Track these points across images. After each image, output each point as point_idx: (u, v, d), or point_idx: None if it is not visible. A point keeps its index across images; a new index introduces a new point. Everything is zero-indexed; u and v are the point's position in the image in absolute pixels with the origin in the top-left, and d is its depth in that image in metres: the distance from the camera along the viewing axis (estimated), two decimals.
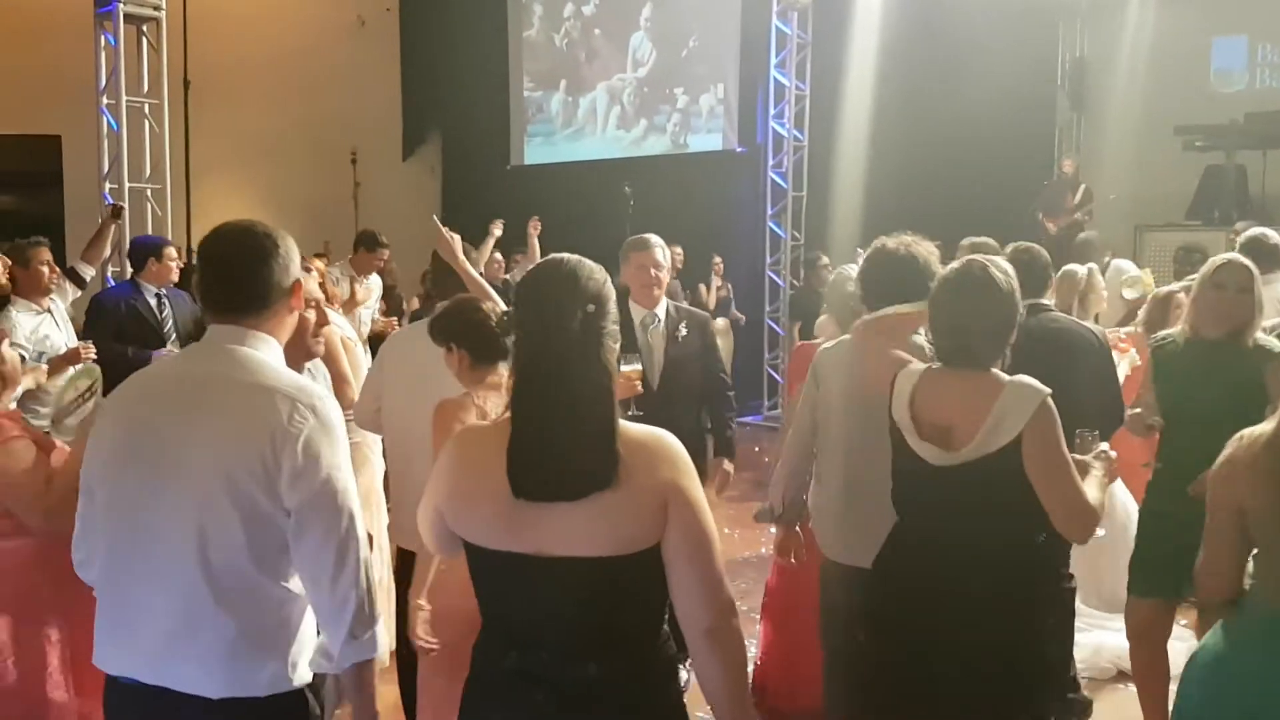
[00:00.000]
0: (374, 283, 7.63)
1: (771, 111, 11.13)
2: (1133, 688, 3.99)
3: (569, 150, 13.07)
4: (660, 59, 12.49)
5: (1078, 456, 2.49)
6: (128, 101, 8.04)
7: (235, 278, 2.03)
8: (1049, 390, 2.38)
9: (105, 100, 8.08)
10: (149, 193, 8.28)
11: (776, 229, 11.05)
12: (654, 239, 4.12)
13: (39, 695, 2.76)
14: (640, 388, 3.00)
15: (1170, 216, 9.46)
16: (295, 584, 1.95)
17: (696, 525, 1.76)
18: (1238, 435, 2.13)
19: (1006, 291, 2.47)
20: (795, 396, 3.78)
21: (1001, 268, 2.52)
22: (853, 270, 3.76)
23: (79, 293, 5.96)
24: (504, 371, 3.67)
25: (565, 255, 1.84)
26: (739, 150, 11.84)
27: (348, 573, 1.90)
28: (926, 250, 3.06)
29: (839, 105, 10.83)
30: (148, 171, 8.30)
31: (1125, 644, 3.88)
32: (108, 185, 8.01)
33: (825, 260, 8.54)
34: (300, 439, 1.88)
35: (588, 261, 1.83)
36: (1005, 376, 2.44)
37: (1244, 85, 10.54)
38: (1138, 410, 3.41)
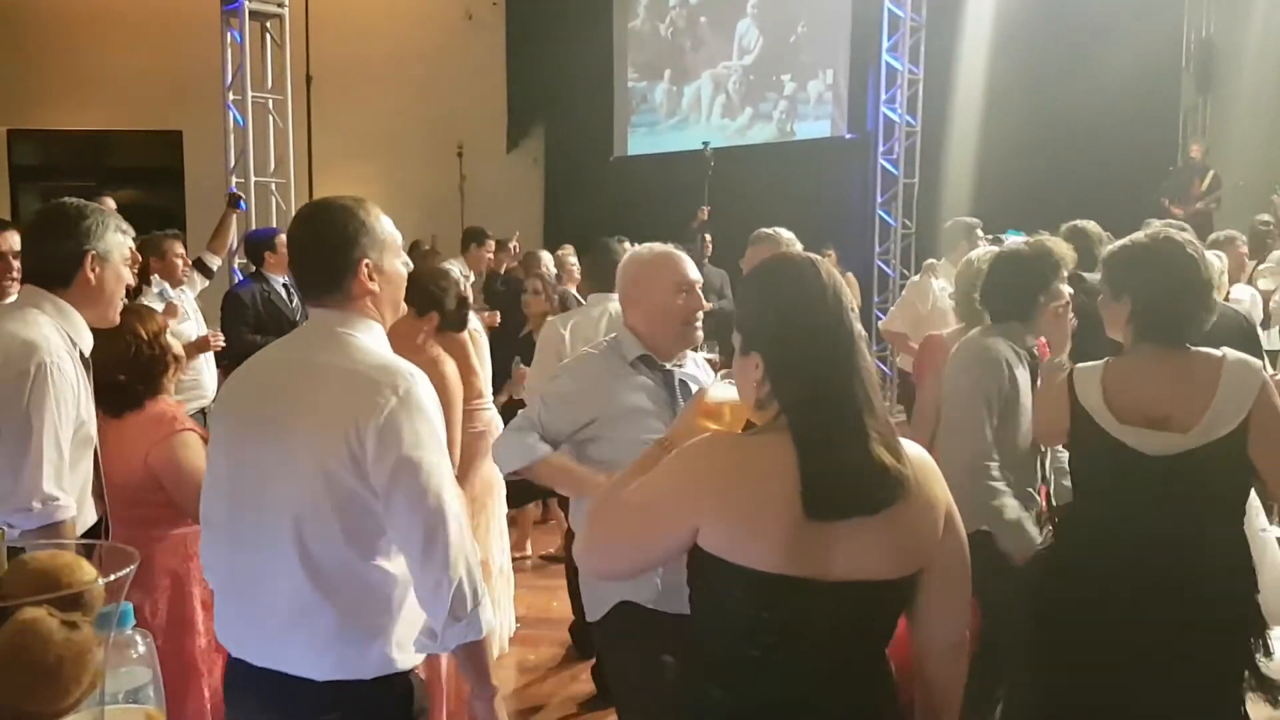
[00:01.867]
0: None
1: (883, 96, 10.93)
2: None
3: (673, 140, 13.05)
4: (767, 46, 12.38)
5: None
6: (253, 97, 8.30)
7: (298, 263, 2.05)
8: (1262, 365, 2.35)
9: (231, 96, 8.37)
10: (273, 186, 8.55)
11: (886, 217, 10.87)
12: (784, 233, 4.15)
13: (188, 672, 2.86)
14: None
15: None
16: (396, 565, 1.94)
17: (965, 542, 1.74)
18: None
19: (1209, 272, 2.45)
20: (926, 389, 3.71)
21: (1193, 242, 2.49)
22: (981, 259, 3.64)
23: (207, 283, 6.18)
24: (464, 338, 3.80)
25: (796, 252, 1.82)
26: (848, 137, 11.67)
27: (438, 553, 1.88)
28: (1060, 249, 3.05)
29: (952, 89, 10.59)
30: (272, 165, 8.56)
31: None
32: (234, 179, 8.30)
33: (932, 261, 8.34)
34: (383, 418, 1.86)
35: (803, 254, 1.78)
36: (1217, 353, 2.38)
37: None
38: None
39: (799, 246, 4.21)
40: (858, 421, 1.60)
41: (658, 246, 2.84)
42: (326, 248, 2.00)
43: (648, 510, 1.67)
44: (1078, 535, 2.57)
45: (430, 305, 3.68)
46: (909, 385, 6.11)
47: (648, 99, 13.61)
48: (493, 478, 4.31)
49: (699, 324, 2.72)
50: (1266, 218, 7.29)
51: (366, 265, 2.01)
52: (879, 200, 10.89)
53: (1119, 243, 2.61)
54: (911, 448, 1.69)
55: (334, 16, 11.86)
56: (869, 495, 1.58)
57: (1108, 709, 2.46)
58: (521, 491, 4.49)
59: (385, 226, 2.07)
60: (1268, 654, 2.48)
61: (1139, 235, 2.55)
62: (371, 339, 2.01)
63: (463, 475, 4.12)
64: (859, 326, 1.68)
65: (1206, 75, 11.05)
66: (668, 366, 2.72)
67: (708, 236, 8.98)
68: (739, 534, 1.59)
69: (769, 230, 4.42)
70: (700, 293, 2.75)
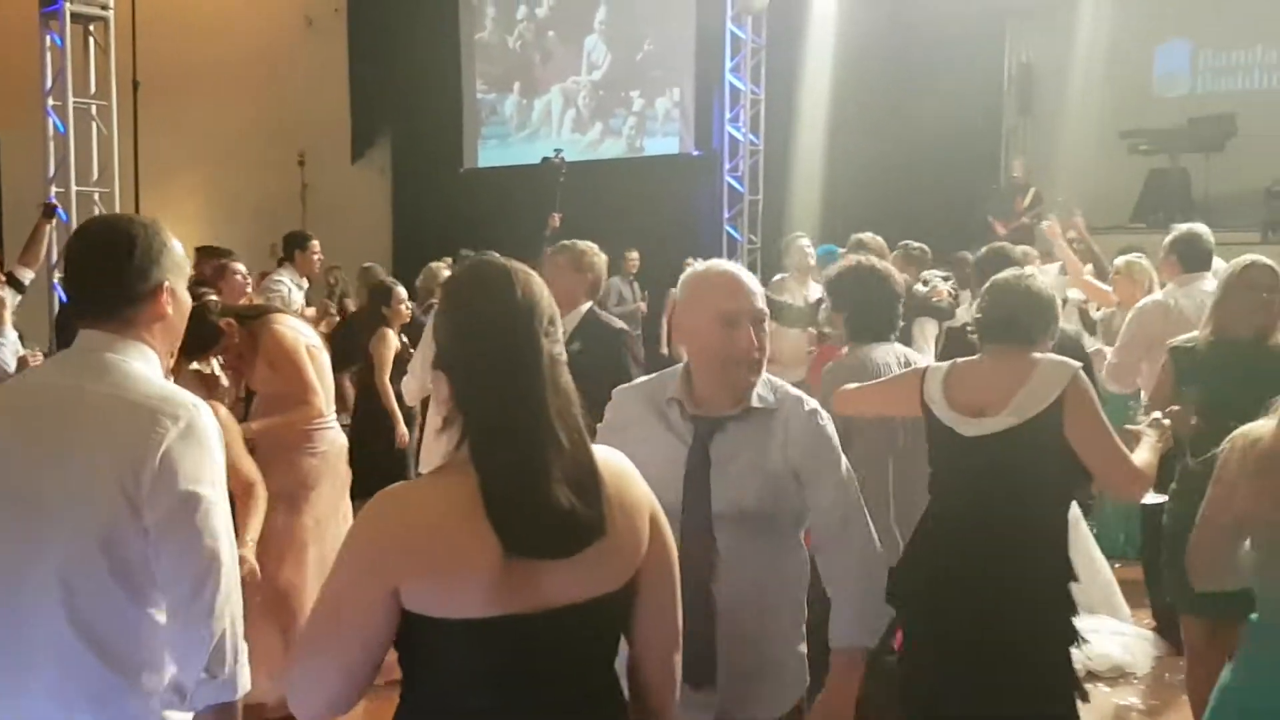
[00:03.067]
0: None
1: (727, 115, 11.19)
2: (1102, 688, 4.09)
3: (524, 153, 13.02)
4: (616, 62, 12.50)
5: (1129, 426, 2.72)
6: (75, 103, 7.85)
7: (86, 280, 1.91)
8: (1079, 364, 2.62)
9: (51, 101, 7.88)
10: (96, 196, 8.09)
11: (734, 233, 11.13)
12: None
13: None
14: None
15: (1116, 219, 9.68)
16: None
17: (671, 544, 1.66)
18: (1240, 432, 2.08)
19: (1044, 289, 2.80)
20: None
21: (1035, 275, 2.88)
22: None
23: (19, 298, 5.81)
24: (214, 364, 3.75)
25: (497, 259, 1.58)
26: (695, 154, 11.89)
27: (204, 601, 1.75)
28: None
29: (794, 109, 10.93)
30: (95, 174, 8.10)
31: (1099, 648, 4.00)
32: (53, 189, 7.81)
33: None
34: (159, 450, 1.75)
35: (521, 265, 1.58)
36: (1039, 355, 2.65)
37: (1187, 90, 10.81)
38: (1175, 408, 3.21)
39: (603, 259, 4.08)
40: (541, 462, 1.46)
41: (718, 263, 2.27)
42: (127, 268, 1.87)
43: (341, 602, 1.48)
44: (925, 524, 2.79)
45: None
46: None
47: (497, 111, 13.54)
48: (338, 501, 4.17)
49: (752, 367, 2.14)
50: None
51: (166, 289, 1.90)
52: (726, 216, 11.14)
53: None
54: (606, 456, 1.57)
55: (163, 20, 11.34)
56: (560, 540, 1.46)
57: (947, 690, 2.64)
58: None
59: (180, 250, 1.97)
60: (1078, 642, 2.68)
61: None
62: (148, 367, 1.88)
63: (298, 501, 3.98)
64: (557, 349, 1.53)
65: (1027, 98, 11.76)
66: (703, 415, 2.16)
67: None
68: (442, 586, 1.45)
69: (568, 242, 4.17)
70: (761, 327, 2.14)
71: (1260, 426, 2.02)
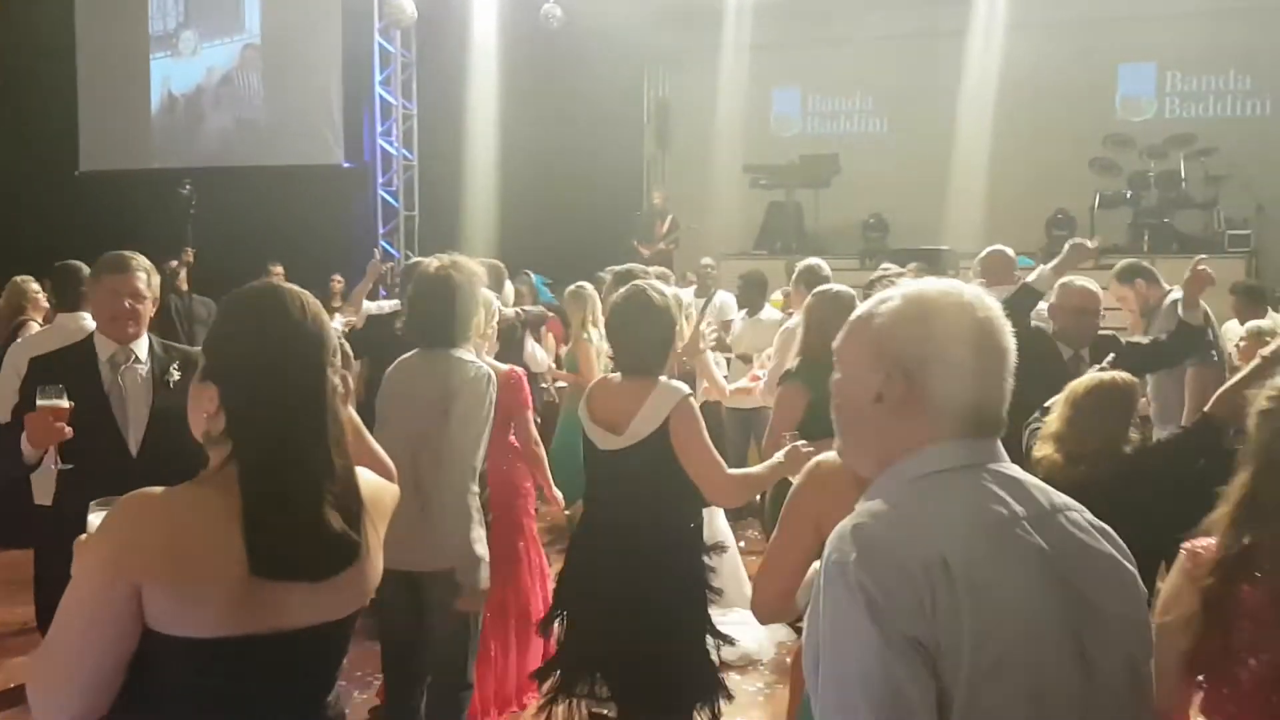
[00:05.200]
0: None
1: (379, 129, 10.99)
2: (734, 676, 4.38)
3: (157, 155, 11.99)
4: (267, 70, 11.85)
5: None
6: None
7: None
8: (690, 390, 2.90)
9: None
10: None
11: (389, 248, 10.92)
12: (135, 259, 3.08)
13: None
14: (66, 429, 2.61)
15: (742, 246, 10.63)
16: None
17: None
18: (816, 462, 2.12)
19: (664, 308, 2.90)
20: None
21: (658, 289, 2.97)
22: None
23: None
24: None
25: (283, 285, 1.60)
26: (345, 165, 11.55)
27: None
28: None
29: (448, 127, 10.96)
30: None
31: (747, 637, 4.30)
32: None
33: None
34: None
35: (295, 287, 1.60)
36: (654, 379, 2.89)
37: (799, 130, 12.09)
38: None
39: (152, 277, 3.17)
40: (313, 485, 1.48)
41: None
42: None
43: (84, 603, 1.43)
44: (579, 531, 3.06)
45: None
46: None
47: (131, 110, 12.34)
48: None
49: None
50: (708, 261, 8.35)
51: None
52: (381, 231, 10.92)
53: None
54: (366, 480, 1.62)
55: None
56: (316, 563, 1.48)
57: (600, 686, 2.92)
58: None
59: None
60: (717, 638, 2.97)
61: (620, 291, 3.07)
62: None
63: None
64: (337, 378, 1.55)
65: (664, 133, 12.61)
66: None
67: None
68: (181, 595, 1.42)
69: (121, 255, 3.09)
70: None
71: (828, 458, 2.02)
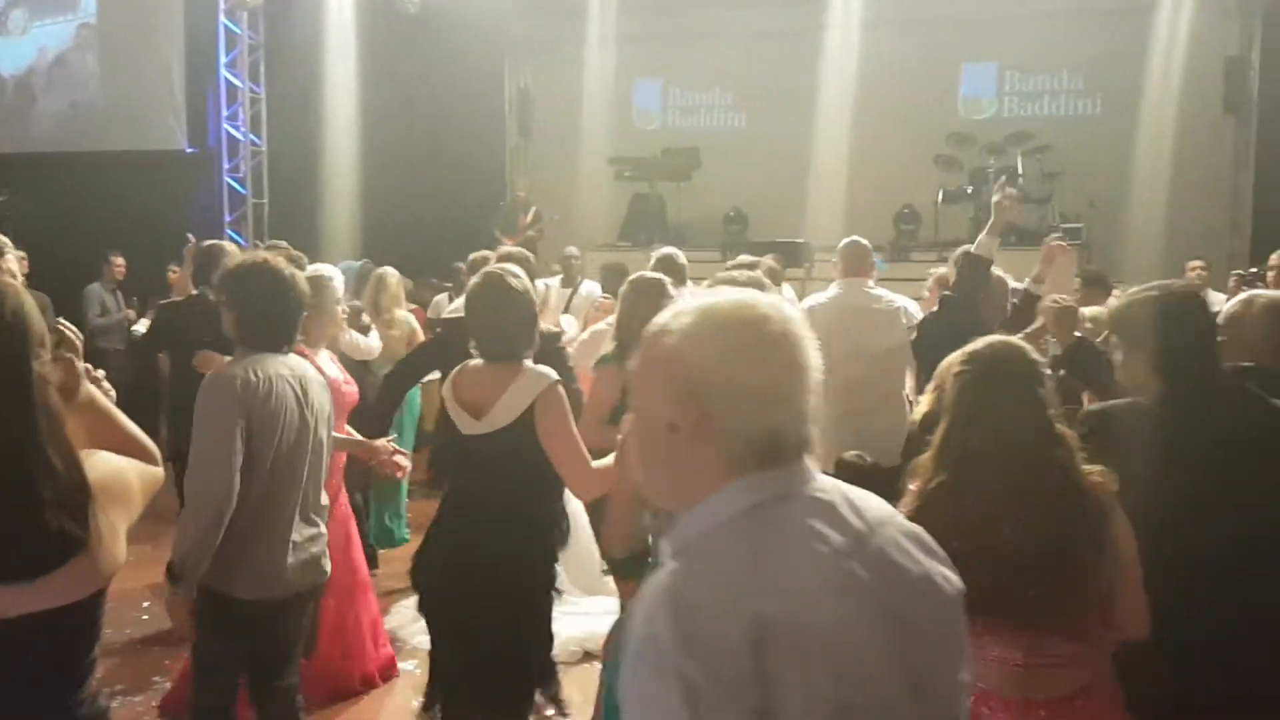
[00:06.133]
0: None
1: (224, 113, 10.55)
2: (598, 664, 4.40)
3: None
4: (104, 52, 11.19)
5: None
6: None
7: None
8: (558, 377, 2.85)
9: None
10: None
11: (236, 237, 10.49)
12: None
13: None
14: None
15: (607, 238, 10.65)
16: None
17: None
18: None
19: (523, 291, 2.86)
20: None
21: (514, 273, 2.91)
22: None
23: None
24: None
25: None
26: (188, 151, 11.04)
27: None
28: None
29: (302, 112, 10.61)
30: None
31: (592, 628, 4.32)
32: None
33: None
34: None
35: (11, 282, 1.58)
36: (520, 364, 2.84)
37: (660, 124, 12.18)
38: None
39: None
40: (26, 485, 1.46)
41: None
42: None
43: None
44: (439, 514, 2.97)
45: None
46: None
47: None
48: None
49: None
50: (572, 250, 8.34)
51: None
52: (228, 219, 10.50)
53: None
54: (97, 466, 1.60)
55: None
56: (30, 564, 1.48)
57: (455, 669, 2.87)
58: None
59: None
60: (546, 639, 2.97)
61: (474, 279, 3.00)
62: None
63: None
64: (46, 369, 1.53)
65: (527, 123, 12.50)
66: None
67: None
68: None
69: None
70: None
71: None
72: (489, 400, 2.79)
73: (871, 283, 4.84)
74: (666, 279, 3.67)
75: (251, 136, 10.60)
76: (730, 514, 1.17)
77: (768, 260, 5.61)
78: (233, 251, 4.54)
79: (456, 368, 2.95)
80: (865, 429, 4.10)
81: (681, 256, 5.15)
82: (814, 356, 1.21)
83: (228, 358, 2.89)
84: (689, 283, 5.08)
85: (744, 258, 5.47)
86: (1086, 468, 2.02)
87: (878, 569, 1.18)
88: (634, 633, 1.12)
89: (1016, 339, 2.20)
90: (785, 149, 10.63)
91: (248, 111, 10.55)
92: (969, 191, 9.94)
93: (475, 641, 2.78)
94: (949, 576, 1.25)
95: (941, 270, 5.43)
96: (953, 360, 2.11)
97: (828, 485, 1.23)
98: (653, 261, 5.24)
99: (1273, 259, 5.98)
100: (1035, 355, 2.10)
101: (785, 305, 1.25)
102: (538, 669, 2.92)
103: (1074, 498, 1.98)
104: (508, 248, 5.06)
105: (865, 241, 5.06)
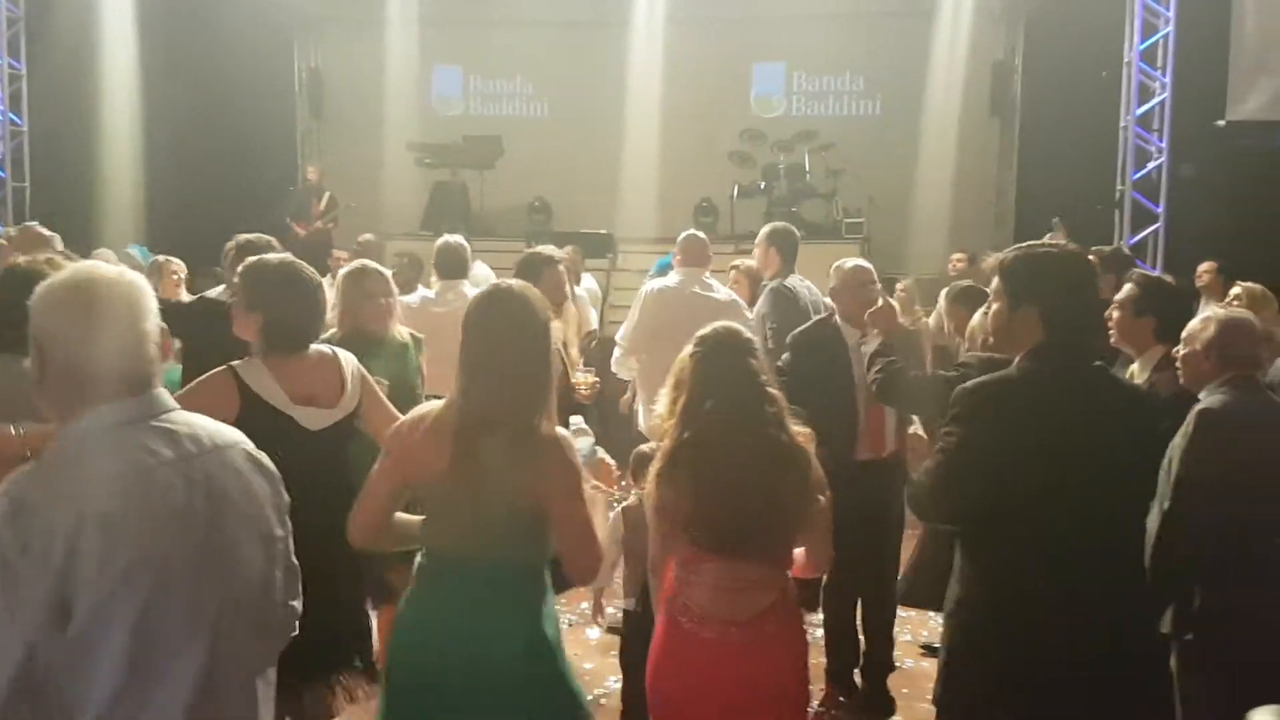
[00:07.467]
0: None
1: None
2: None
3: None
4: None
5: None
6: None
7: None
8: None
9: None
10: None
11: None
12: None
13: None
14: None
15: (408, 226, 10.36)
16: None
17: None
18: (414, 412, 2.38)
19: (316, 281, 2.84)
20: None
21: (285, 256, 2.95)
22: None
23: None
24: None
25: None
26: None
27: None
28: None
29: (71, 91, 9.85)
30: None
31: None
32: None
33: None
34: None
35: None
36: (328, 351, 2.83)
37: (461, 111, 12.02)
38: None
39: None
40: None
41: None
42: None
43: None
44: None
45: None
46: None
47: None
48: None
49: None
50: (368, 236, 8.02)
51: None
52: None
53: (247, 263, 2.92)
54: None
55: None
56: None
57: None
58: None
59: None
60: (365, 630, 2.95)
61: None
62: None
63: None
64: None
65: (318, 103, 12.04)
66: None
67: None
68: None
69: None
70: None
71: (431, 406, 2.35)
72: (325, 389, 2.80)
73: (707, 273, 5.10)
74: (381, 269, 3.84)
75: (11, 116, 9.77)
76: (81, 434, 1.61)
77: (564, 252, 5.68)
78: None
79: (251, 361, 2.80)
80: None
81: (466, 246, 5.14)
82: (138, 312, 1.66)
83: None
84: (471, 269, 5.14)
85: (543, 248, 5.52)
86: (795, 428, 2.49)
87: (202, 473, 1.69)
88: None
89: (734, 324, 2.67)
90: (589, 140, 10.73)
91: (7, 89, 9.71)
92: (761, 187, 10.33)
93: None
94: (266, 484, 1.83)
95: (749, 262, 5.65)
96: (685, 349, 2.58)
97: (179, 418, 1.70)
98: (438, 248, 5.20)
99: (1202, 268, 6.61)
100: (749, 335, 2.64)
101: (125, 274, 1.69)
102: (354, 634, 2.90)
103: (784, 447, 2.47)
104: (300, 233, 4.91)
105: (703, 235, 5.30)
